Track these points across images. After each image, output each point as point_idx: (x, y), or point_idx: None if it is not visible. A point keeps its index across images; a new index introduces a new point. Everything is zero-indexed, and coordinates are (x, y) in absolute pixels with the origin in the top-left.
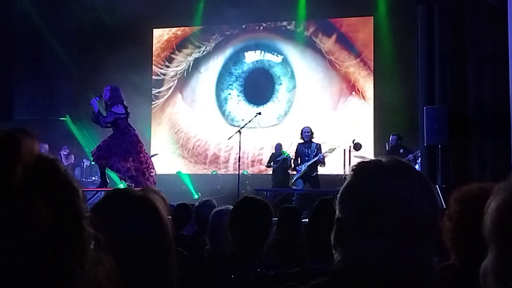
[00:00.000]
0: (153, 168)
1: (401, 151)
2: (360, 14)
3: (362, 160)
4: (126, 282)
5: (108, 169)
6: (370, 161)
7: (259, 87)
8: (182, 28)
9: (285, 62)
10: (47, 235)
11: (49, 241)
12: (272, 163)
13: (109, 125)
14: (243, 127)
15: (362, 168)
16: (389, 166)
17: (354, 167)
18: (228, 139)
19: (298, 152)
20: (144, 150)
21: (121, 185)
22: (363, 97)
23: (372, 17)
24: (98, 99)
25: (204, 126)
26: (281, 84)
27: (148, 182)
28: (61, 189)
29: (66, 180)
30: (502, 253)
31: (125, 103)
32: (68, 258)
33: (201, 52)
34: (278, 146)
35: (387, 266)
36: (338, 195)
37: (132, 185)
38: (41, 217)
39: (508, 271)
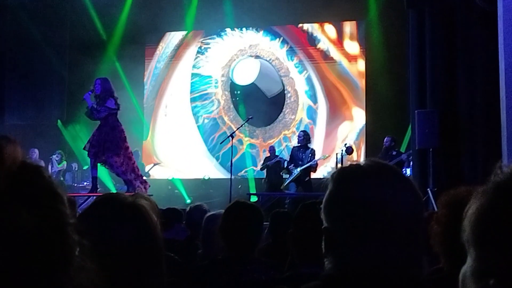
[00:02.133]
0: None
1: (394, 153)
2: (351, 18)
3: (341, 166)
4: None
5: (101, 165)
6: (349, 166)
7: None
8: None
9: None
10: (30, 242)
11: (32, 248)
12: (267, 163)
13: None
14: (235, 131)
15: (341, 174)
16: (368, 168)
17: (333, 175)
18: (221, 143)
19: (292, 156)
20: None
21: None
22: (355, 105)
23: (364, 21)
24: (90, 93)
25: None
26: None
27: (139, 182)
28: (44, 196)
29: (50, 187)
30: (480, 256)
31: (115, 94)
32: (52, 264)
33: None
34: (272, 149)
35: (378, 268)
36: (322, 205)
37: (123, 189)
38: (24, 224)
39: (486, 271)
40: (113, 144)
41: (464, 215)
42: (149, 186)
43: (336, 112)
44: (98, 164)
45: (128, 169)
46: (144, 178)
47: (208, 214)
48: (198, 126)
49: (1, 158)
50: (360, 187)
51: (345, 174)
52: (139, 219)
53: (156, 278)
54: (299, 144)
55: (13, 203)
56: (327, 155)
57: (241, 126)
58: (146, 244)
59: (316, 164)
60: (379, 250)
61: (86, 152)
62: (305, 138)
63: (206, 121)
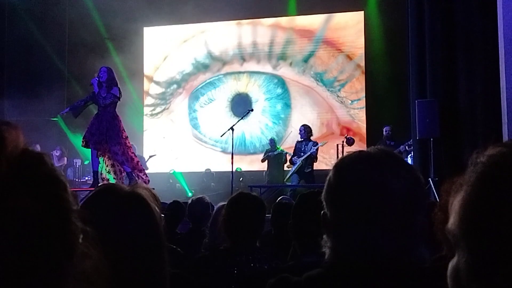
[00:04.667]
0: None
1: (392, 143)
2: (350, 9)
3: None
4: (117, 277)
5: (103, 153)
6: (352, 153)
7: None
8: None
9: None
10: (34, 229)
11: (36, 235)
12: (269, 154)
13: (102, 106)
14: (235, 124)
15: (342, 160)
16: (369, 155)
17: (335, 163)
18: (221, 136)
19: (295, 149)
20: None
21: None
22: (355, 94)
23: (363, 11)
24: (97, 80)
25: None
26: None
27: (137, 171)
28: (47, 183)
29: (53, 174)
30: (475, 251)
31: (119, 84)
32: (55, 251)
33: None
34: (272, 141)
35: (370, 256)
36: (323, 191)
37: (122, 180)
38: (27, 211)
39: (487, 269)
40: (115, 132)
41: (449, 207)
42: (148, 177)
43: (336, 107)
44: (100, 159)
45: (128, 158)
46: (143, 169)
47: (220, 204)
48: (199, 119)
49: (3, 143)
50: (357, 173)
51: (345, 161)
52: (138, 207)
53: (158, 266)
54: (302, 139)
55: (15, 189)
56: (325, 142)
57: (241, 118)
58: (146, 232)
59: (316, 152)
60: (369, 236)
61: (85, 144)
62: (306, 131)
63: (206, 113)
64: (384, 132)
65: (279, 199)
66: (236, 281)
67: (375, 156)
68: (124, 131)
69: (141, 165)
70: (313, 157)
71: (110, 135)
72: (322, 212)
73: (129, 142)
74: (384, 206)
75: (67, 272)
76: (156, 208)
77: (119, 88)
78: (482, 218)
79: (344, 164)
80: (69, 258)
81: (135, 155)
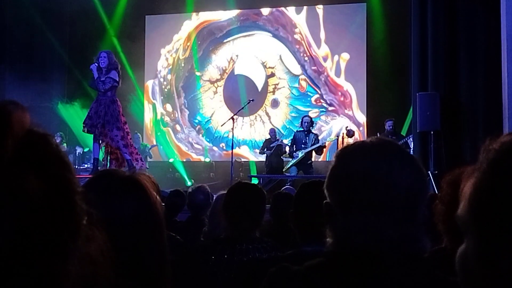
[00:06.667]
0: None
1: (394, 137)
2: (353, 1)
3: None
4: (116, 261)
5: (101, 139)
6: (353, 143)
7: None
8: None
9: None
10: (39, 209)
11: (41, 215)
12: (265, 150)
13: (101, 91)
14: (236, 113)
15: (343, 150)
16: (370, 144)
17: (337, 152)
18: (222, 125)
19: (295, 139)
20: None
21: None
22: (356, 89)
23: (365, 3)
24: (97, 65)
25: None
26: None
27: (134, 157)
28: (52, 163)
29: (58, 155)
30: (483, 237)
31: (119, 68)
32: (60, 233)
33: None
34: (272, 132)
35: (372, 244)
36: (325, 181)
37: (124, 167)
38: (33, 191)
39: (496, 255)
40: (113, 117)
41: (460, 193)
42: (145, 165)
43: (336, 100)
44: (101, 147)
45: (127, 143)
46: (140, 155)
47: (220, 193)
48: (199, 109)
49: (9, 122)
50: (355, 161)
51: (347, 150)
52: (137, 192)
53: (157, 250)
54: (303, 129)
55: (21, 168)
56: (334, 138)
57: (242, 108)
58: (144, 216)
59: (324, 146)
60: (371, 224)
61: (86, 131)
62: (311, 123)
63: (206, 103)
64: (387, 127)
65: (282, 188)
66: (235, 270)
67: (379, 146)
68: (123, 116)
69: (137, 151)
70: (319, 149)
71: (108, 120)
72: (324, 202)
73: (127, 128)
74: (390, 195)
75: (71, 253)
76: (156, 194)
77: (118, 72)
78: (492, 203)
79: (348, 154)
80: (74, 239)
81: (132, 141)
